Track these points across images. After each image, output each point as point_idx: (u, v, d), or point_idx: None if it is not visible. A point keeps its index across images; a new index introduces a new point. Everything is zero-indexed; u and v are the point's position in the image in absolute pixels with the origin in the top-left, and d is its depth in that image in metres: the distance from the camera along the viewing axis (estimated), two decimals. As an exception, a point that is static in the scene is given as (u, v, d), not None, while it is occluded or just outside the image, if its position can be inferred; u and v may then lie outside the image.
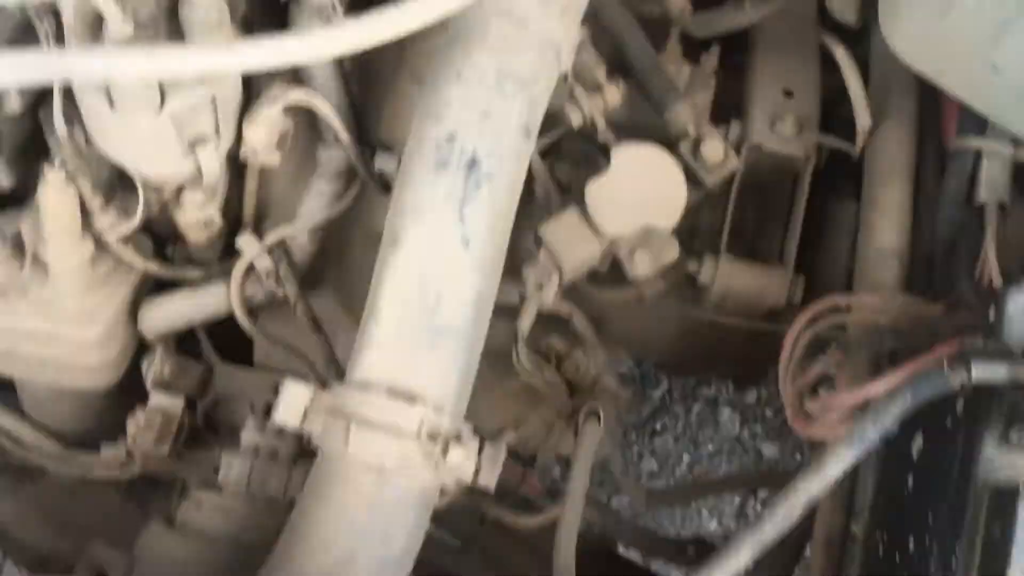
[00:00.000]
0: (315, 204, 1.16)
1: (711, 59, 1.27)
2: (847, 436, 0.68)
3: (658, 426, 2.00)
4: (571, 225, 1.04)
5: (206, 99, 0.94)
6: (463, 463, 0.87)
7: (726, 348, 1.31)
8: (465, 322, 0.90)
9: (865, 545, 0.83)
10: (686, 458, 1.97)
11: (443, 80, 0.90)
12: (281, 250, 1.12)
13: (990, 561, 0.67)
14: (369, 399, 0.86)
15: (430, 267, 0.89)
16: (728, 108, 1.23)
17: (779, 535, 0.70)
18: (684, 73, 1.25)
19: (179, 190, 1.07)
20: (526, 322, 1.05)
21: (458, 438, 0.87)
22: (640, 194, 1.05)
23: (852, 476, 0.88)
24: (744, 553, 0.70)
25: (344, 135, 1.10)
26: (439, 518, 1.32)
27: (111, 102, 0.91)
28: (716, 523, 1.86)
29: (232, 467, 1.00)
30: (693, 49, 1.28)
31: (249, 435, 1.02)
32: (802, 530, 1.05)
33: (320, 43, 0.79)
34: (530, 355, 1.06)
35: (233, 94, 1.01)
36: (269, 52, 0.76)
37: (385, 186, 1.13)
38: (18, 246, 1.06)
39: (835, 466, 0.69)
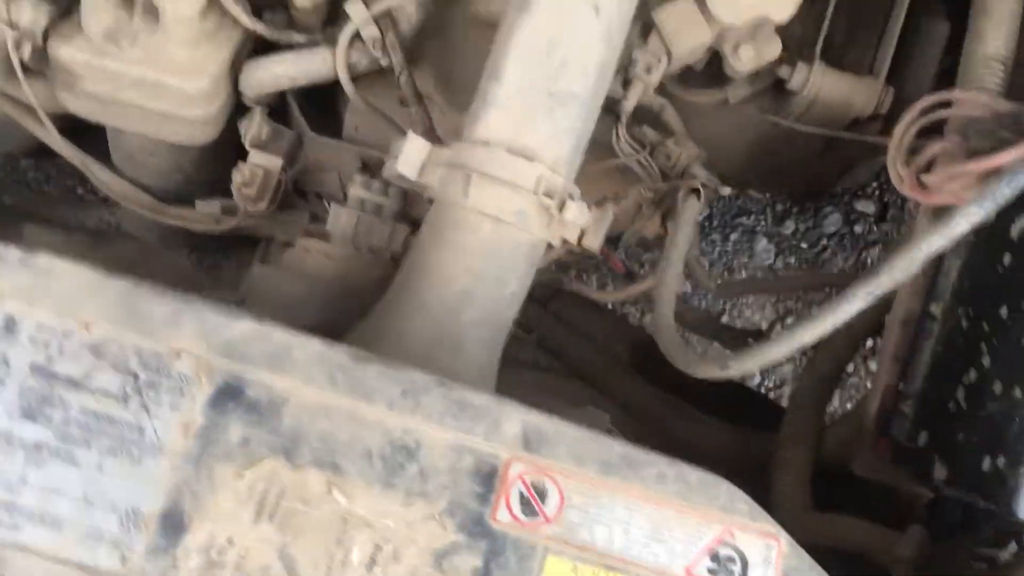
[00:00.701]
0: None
1: None
2: (978, 194, 0.72)
3: (695, 251, 2.06)
4: (685, 11, 1.06)
5: None
6: (576, 219, 0.92)
7: (798, 160, 1.35)
8: (586, 89, 0.93)
9: (944, 321, 0.88)
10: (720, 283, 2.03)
11: None
12: (388, 19, 1.13)
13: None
14: (490, 154, 0.91)
15: (559, 32, 0.92)
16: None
17: (893, 287, 0.75)
18: None
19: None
20: (631, 102, 1.08)
21: (572, 197, 0.92)
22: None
23: (935, 263, 0.93)
24: (857, 302, 0.75)
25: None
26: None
27: None
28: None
29: (340, 217, 1.05)
30: None
31: (356, 190, 1.06)
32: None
33: None
34: (629, 136, 1.10)
35: None
36: None
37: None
38: (129, -7, 1.08)
39: (962, 222, 0.72)
